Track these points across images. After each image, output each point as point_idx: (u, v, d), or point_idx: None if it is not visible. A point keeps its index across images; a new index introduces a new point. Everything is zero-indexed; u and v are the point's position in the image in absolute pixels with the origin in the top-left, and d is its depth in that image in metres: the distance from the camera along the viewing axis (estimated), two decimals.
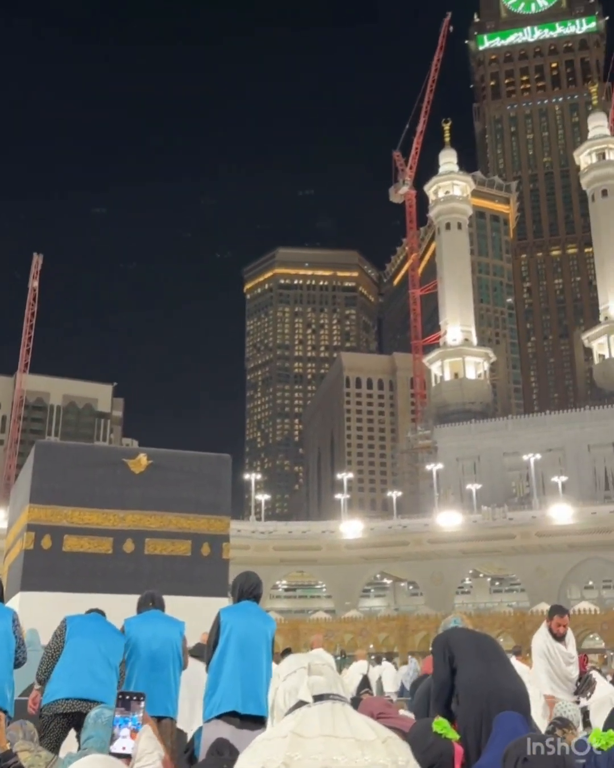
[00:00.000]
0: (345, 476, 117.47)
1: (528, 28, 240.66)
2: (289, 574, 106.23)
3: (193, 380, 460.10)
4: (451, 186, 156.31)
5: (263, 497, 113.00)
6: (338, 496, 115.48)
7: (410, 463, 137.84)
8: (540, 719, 9.13)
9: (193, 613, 10.56)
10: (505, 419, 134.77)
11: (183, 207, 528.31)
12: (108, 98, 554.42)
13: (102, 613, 8.55)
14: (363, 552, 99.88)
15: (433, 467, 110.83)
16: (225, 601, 13.13)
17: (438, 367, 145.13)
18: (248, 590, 8.33)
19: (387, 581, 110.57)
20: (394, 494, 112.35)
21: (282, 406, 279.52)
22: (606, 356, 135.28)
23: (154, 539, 15.09)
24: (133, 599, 9.40)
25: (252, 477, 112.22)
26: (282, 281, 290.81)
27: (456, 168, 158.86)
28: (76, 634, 8.00)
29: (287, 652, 18.95)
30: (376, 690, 27.45)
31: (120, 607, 9.50)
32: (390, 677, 31.04)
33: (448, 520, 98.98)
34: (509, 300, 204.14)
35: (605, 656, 64.93)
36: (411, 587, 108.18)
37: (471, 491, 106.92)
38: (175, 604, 9.97)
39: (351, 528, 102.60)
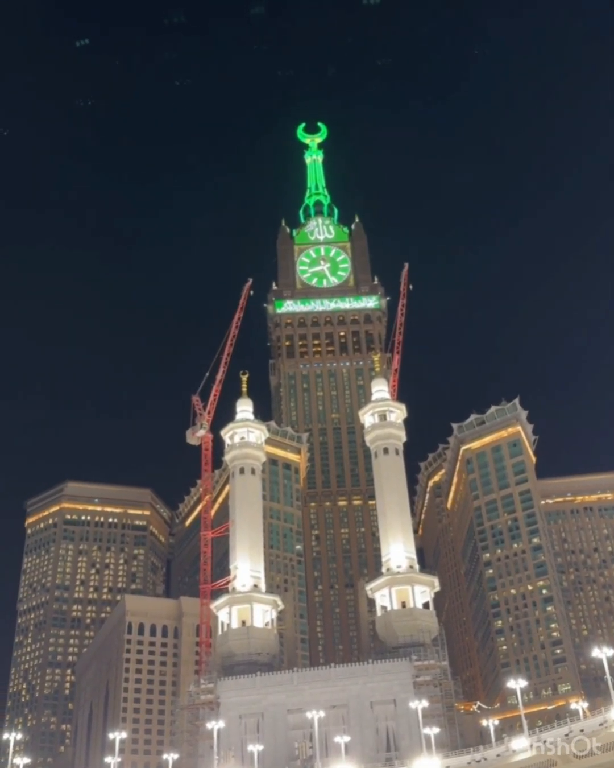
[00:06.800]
0: (118, 736, 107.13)
1: (320, 299, 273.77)
2: None
3: None
4: (247, 432, 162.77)
5: (22, 761, 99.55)
6: (108, 759, 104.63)
7: (190, 720, 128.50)
8: None
9: None
10: (291, 673, 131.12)
11: None
12: None
13: None
14: None
15: (215, 726, 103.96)
16: None
17: (226, 614, 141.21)
18: None
19: None
20: (171, 757, 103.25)
21: (54, 654, 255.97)
22: (388, 608, 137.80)
23: None
24: None
25: (11, 737, 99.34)
26: (68, 517, 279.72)
27: (251, 416, 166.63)
28: None
29: None
30: None
31: None
32: None
33: None
34: (298, 547, 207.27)
35: None
36: None
37: (254, 753, 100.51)
38: None
39: None
